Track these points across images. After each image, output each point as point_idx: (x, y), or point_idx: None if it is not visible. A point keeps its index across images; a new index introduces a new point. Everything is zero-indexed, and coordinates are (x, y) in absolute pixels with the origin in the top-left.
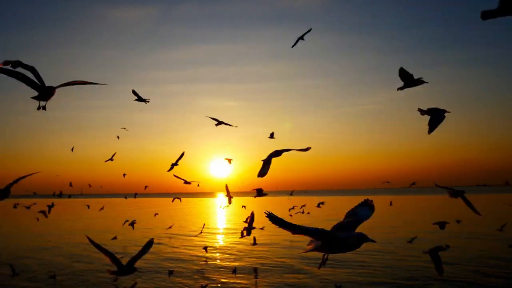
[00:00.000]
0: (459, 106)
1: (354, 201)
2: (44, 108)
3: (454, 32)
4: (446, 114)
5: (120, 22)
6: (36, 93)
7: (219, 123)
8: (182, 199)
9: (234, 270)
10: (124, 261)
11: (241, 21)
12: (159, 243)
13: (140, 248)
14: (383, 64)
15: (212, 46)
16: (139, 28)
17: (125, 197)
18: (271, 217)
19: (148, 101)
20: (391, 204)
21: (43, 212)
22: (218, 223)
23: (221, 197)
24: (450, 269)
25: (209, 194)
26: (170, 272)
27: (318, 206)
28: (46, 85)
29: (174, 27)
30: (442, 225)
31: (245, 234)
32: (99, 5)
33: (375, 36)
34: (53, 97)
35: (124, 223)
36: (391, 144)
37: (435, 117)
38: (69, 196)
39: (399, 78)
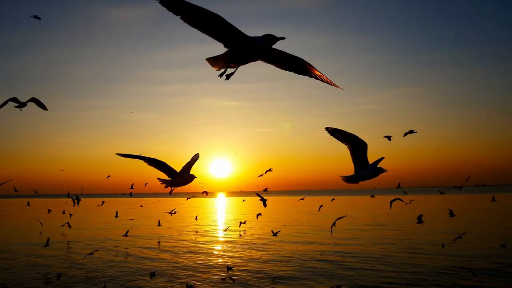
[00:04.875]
0: (459, 106)
1: (354, 200)
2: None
3: (454, 32)
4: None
5: (120, 22)
6: None
7: None
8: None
9: (229, 268)
10: None
11: (241, 21)
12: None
13: None
14: (384, 64)
15: (212, 46)
16: (139, 27)
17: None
18: None
19: None
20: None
21: None
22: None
23: (221, 197)
24: (447, 264)
25: (209, 194)
26: (152, 274)
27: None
28: None
29: (174, 27)
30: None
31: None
32: (99, 5)
33: (375, 36)
34: None
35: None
36: (392, 144)
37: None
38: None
39: (399, 78)
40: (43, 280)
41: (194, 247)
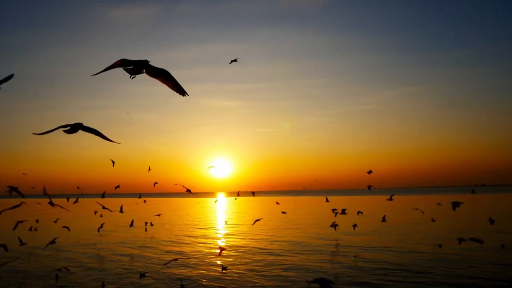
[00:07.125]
0: (459, 106)
1: (354, 201)
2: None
3: (454, 32)
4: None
5: (120, 22)
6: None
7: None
8: (179, 200)
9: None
10: None
11: (241, 21)
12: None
13: None
14: (384, 64)
15: (212, 46)
16: (139, 27)
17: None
18: None
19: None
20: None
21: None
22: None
23: (221, 197)
24: (446, 268)
25: (208, 194)
26: (142, 275)
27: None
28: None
29: (174, 27)
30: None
31: None
32: (99, 5)
33: (375, 36)
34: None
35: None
36: (392, 144)
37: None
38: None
39: (399, 78)
40: (42, 280)
41: (191, 246)
